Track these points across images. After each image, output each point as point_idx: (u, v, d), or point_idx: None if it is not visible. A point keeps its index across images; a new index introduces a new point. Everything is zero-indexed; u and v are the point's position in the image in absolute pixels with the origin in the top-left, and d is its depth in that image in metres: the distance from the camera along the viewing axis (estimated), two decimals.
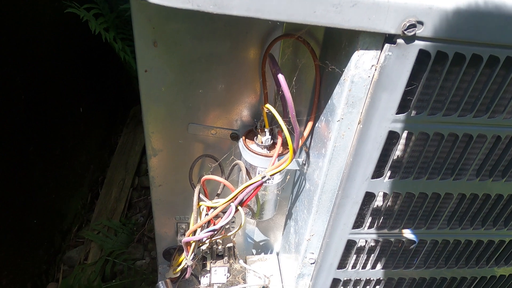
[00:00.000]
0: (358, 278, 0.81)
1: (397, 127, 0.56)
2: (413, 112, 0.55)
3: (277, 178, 0.72)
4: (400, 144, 0.59)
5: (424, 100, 0.55)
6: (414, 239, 0.73)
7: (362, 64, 0.50)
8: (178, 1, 0.42)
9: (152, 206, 0.86)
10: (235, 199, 0.66)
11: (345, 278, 0.80)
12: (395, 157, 0.61)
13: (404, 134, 0.58)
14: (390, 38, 0.48)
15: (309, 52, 0.61)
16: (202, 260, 0.91)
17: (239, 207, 0.67)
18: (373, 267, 0.79)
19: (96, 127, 2.17)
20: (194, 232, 0.71)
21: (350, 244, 0.73)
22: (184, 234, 0.81)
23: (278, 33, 0.63)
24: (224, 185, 0.70)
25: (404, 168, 0.62)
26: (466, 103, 0.55)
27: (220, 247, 0.92)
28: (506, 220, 0.74)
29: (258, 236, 1.00)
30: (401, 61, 0.49)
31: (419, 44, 0.48)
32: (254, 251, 1.03)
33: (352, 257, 0.76)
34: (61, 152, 1.74)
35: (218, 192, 0.76)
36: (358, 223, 0.69)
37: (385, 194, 0.67)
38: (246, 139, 0.72)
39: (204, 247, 0.78)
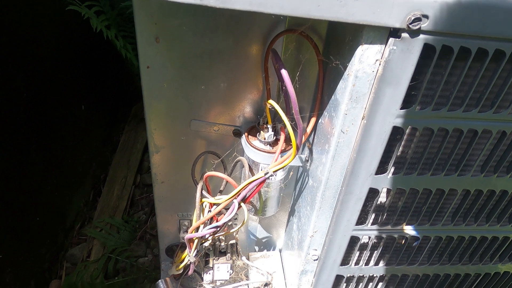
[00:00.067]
0: (361, 275, 0.81)
1: (401, 122, 0.55)
2: (418, 107, 0.55)
3: (280, 175, 0.72)
4: (404, 140, 0.59)
5: (428, 95, 0.54)
6: (417, 235, 0.73)
7: (366, 59, 0.49)
8: None
9: (155, 203, 0.86)
10: (238, 196, 0.66)
11: (348, 275, 0.80)
12: (399, 153, 0.61)
13: (408, 130, 0.57)
14: (394, 32, 0.47)
15: (312, 47, 0.60)
16: (205, 256, 0.91)
17: (242, 204, 0.66)
18: (376, 263, 0.79)
19: (98, 125, 2.17)
20: (197, 229, 0.71)
21: (354, 240, 0.73)
22: (187, 231, 0.81)
23: (281, 28, 0.62)
24: (227, 182, 0.70)
25: (408, 164, 0.62)
26: (471, 98, 0.55)
27: (222, 243, 0.92)
28: (510, 216, 0.73)
29: (261, 233, 0.99)
30: (406, 56, 0.49)
31: (424, 38, 0.47)
32: (256, 248, 1.03)
33: (355, 253, 0.76)
34: (63, 150, 1.74)
35: (220, 189, 0.76)
36: (361, 220, 0.69)
37: (388, 190, 0.66)
38: (249, 136, 0.71)
39: (207, 244, 0.78)
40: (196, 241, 0.73)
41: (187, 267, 0.81)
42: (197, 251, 0.75)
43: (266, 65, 0.65)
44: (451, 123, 0.57)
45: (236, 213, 0.66)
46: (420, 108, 0.55)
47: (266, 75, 0.66)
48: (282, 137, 0.67)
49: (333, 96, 0.58)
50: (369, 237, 0.73)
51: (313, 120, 0.66)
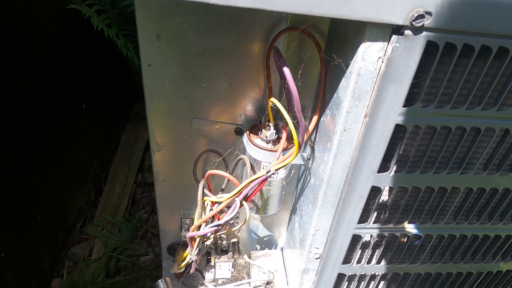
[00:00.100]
0: (363, 273, 0.81)
1: (403, 120, 0.55)
2: (420, 105, 0.54)
3: (282, 173, 0.72)
4: (406, 138, 0.59)
5: (431, 93, 0.54)
6: (419, 234, 0.73)
7: (368, 56, 0.49)
8: None
9: (156, 202, 0.86)
10: (239, 194, 0.66)
11: (350, 273, 0.80)
12: (401, 151, 0.60)
13: (411, 128, 0.57)
14: (397, 30, 0.47)
15: (314, 45, 0.60)
16: (207, 255, 0.91)
17: (244, 202, 0.66)
18: (379, 262, 0.79)
19: (99, 124, 2.17)
20: (199, 227, 0.71)
21: (356, 239, 0.72)
22: (188, 230, 0.81)
23: (283, 26, 0.62)
24: (229, 180, 0.70)
25: (411, 162, 0.62)
26: (474, 96, 0.55)
27: (224, 242, 0.92)
28: None
29: (262, 232, 0.99)
30: (409, 53, 0.48)
31: (427, 35, 0.47)
32: (258, 247, 1.03)
33: (357, 252, 0.76)
34: (64, 149, 1.74)
35: (222, 187, 0.75)
36: (363, 218, 0.69)
37: (391, 189, 0.66)
38: (251, 134, 0.71)
39: (208, 242, 0.78)
40: (198, 239, 0.73)
41: (188, 265, 0.81)
42: (199, 250, 0.75)
43: (268, 63, 0.64)
44: (454, 121, 0.57)
45: (237, 212, 0.66)
46: (423, 106, 0.55)
47: (267, 73, 0.65)
48: (283, 135, 0.67)
49: (335, 94, 0.58)
50: (371, 236, 0.73)
51: (315, 118, 0.66)
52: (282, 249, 1.03)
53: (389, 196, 0.67)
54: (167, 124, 0.73)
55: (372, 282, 0.85)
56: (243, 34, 0.63)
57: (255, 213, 0.79)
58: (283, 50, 0.65)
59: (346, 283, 0.83)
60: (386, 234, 0.73)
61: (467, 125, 0.57)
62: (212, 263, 0.90)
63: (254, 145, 0.69)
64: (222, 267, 0.89)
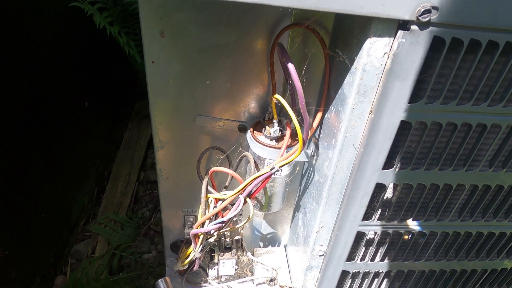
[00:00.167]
0: (367, 270, 0.81)
1: (409, 116, 0.55)
2: (426, 101, 0.54)
3: (286, 170, 0.72)
4: (411, 134, 0.58)
5: (437, 89, 0.54)
6: (423, 231, 0.73)
7: (374, 52, 0.49)
8: None
9: (160, 199, 0.86)
10: (243, 191, 0.65)
11: (354, 270, 0.80)
12: (407, 148, 0.60)
13: (416, 124, 0.57)
14: (403, 25, 0.47)
15: (318, 41, 0.60)
16: (210, 252, 0.91)
17: (248, 199, 0.66)
18: (382, 259, 0.79)
19: (101, 122, 2.17)
20: (202, 224, 0.71)
21: (360, 236, 0.72)
22: (192, 227, 0.81)
23: (287, 22, 0.62)
24: (232, 177, 0.70)
25: (416, 159, 0.61)
26: (480, 92, 0.54)
27: (228, 239, 0.92)
28: None
29: (266, 229, 0.99)
30: (415, 48, 0.48)
31: (433, 30, 0.46)
32: (261, 244, 1.03)
33: (361, 249, 0.76)
34: (66, 147, 1.74)
35: (226, 184, 0.75)
36: (367, 215, 0.69)
37: (395, 185, 0.66)
38: (254, 131, 0.71)
39: (212, 240, 0.78)
40: (201, 236, 0.73)
41: (192, 262, 0.81)
42: (203, 247, 0.75)
43: (272, 60, 0.64)
44: (460, 117, 0.56)
45: (241, 209, 0.66)
46: (428, 102, 0.54)
47: (271, 69, 0.65)
48: (288, 132, 0.67)
49: (340, 90, 0.58)
50: (375, 233, 0.73)
51: (319, 114, 0.66)
52: (285, 247, 1.03)
53: (393, 193, 0.67)
54: (171, 121, 0.72)
55: (376, 280, 0.85)
56: (247, 30, 0.62)
57: (259, 211, 0.79)
58: (287, 47, 0.64)
59: (350, 280, 0.83)
60: (390, 231, 0.72)
61: (473, 122, 0.57)
62: (216, 260, 0.90)
63: (258, 142, 0.69)
64: (226, 264, 0.89)
